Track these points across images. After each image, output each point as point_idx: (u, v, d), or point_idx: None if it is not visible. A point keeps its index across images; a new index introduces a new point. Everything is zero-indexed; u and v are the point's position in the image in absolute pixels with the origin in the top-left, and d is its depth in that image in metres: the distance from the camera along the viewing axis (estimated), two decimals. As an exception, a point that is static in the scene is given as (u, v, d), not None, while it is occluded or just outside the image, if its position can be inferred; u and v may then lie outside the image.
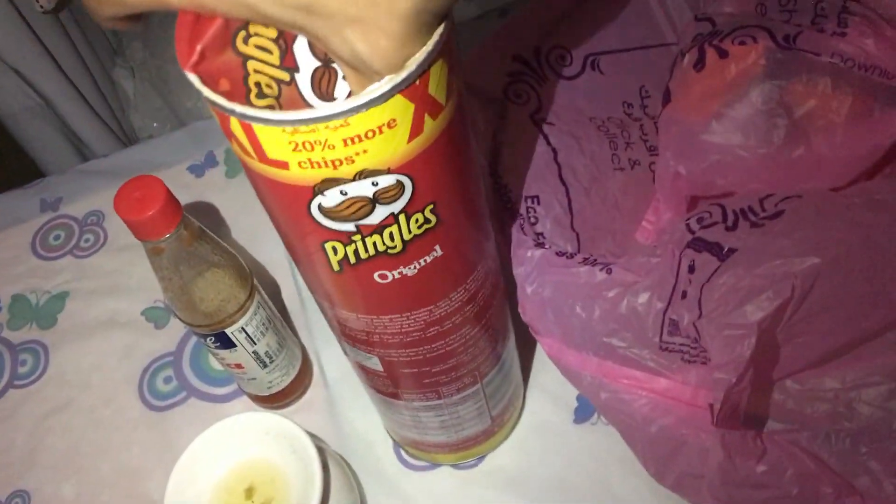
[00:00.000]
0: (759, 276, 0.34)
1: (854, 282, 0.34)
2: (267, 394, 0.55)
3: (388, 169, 0.28)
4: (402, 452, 0.54)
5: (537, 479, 0.52)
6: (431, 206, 0.31)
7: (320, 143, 0.27)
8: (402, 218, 0.31)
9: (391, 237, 0.31)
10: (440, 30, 0.26)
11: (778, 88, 0.41)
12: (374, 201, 0.29)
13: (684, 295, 0.37)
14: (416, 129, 0.28)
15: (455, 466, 0.53)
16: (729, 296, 0.34)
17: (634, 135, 0.52)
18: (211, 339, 0.49)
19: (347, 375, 0.58)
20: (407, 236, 0.31)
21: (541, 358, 0.56)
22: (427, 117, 0.28)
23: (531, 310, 0.43)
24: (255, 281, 0.50)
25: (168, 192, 0.42)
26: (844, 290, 0.34)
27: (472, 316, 0.38)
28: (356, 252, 0.32)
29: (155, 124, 1.21)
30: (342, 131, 0.26)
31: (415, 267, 0.33)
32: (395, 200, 0.30)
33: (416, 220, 0.31)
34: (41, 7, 0.87)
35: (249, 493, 0.46)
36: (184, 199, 0.69)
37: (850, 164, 0.41)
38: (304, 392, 0.58)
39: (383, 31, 0.24)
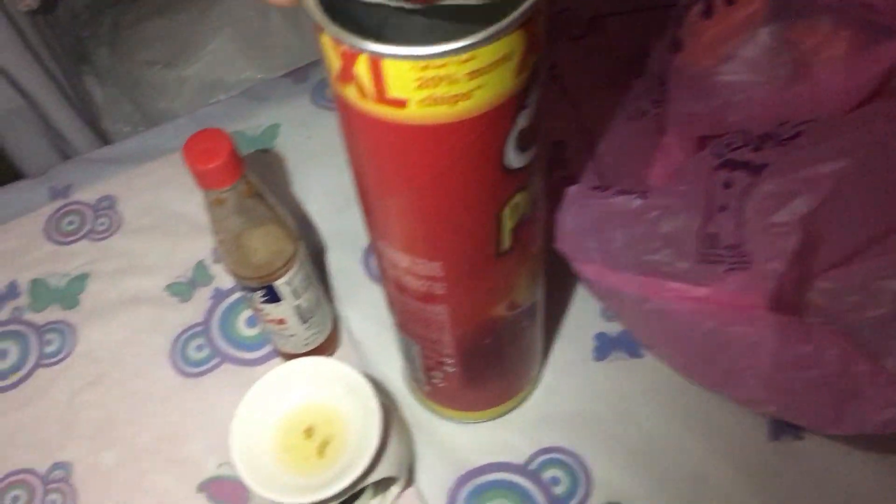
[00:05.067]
0: (796, 180, 0.38)
1: (875, 183, 0.38)
2: (303, 351, 0.57)
3: None
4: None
5: (566, 416, 0.56)
6: None
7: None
8: None
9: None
10: None
11: (783, 28, 0.46)
12: None
13: (723, 208, 0.41)
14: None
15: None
16: (769, 201, 0.38)
17: (639, 87, 0.56)
18: (260, 294, 0.51)
19: (374, 336, 0.61)
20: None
21: (555, 305, 0.60)
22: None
23: (571, 240, 0.46)
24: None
25: (233, 144, 0.44)
26: (867, 190, 0.38)
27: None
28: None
29: (126, 129, 1.22)
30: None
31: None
32: None
33: None
34: (28, 5, 0.88)
35: (309, 432, 0.49)
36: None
37: (850, 93, 0.45)
38: (334, 351, 0.60)
39: None
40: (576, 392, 0.57)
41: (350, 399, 0.49)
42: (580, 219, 0.46)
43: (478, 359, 0.49)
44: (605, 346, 0.58)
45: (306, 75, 0.77)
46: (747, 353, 0.39)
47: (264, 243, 0.49)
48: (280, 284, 0.51)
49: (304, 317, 0.54)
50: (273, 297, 0.51)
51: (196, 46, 1.15)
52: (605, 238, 0.44)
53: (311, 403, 0.50)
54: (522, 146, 0.35)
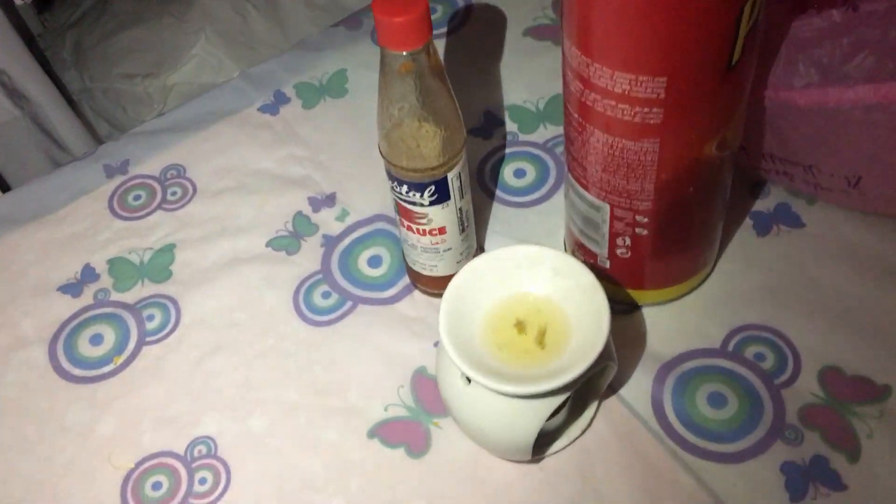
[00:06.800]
0: None
1: None
2: (454, 271, 0.52)
3: None
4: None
5: (747, 294, 0.53)
6: None
7: None
8: None
9: None
10: None
11: None
12: None
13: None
14: None
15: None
16: None
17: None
18: (428, 192, 0.46)
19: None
20: None
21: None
22: None
23: (777, 68, 0.44)
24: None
25: (427, -1, 0.40)
26: None
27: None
28: None
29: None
30: None
31: None
32: None
33: None
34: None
35: (520, 326, 0.44)
36: (269, 137, 0.65)
37: None
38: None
39: None
40: (748, 270, 0.54)
41: (556, 283, 0.44)
42: (787, 40, 0.43)
43: (673, 217, 0.46)
44: (763, 223, 0.56)
45: (360, 22, 0.72)
46: None
47: (441, 129, 0.44)
48: (452, 177, 0.46)
49: (463, 223, 0.50)
50: (443, 194, 0.47)
51: (176, 52, 1.09)
52: (822, 54, 0.42)
53: (511, 296, 0.45)
54: None
